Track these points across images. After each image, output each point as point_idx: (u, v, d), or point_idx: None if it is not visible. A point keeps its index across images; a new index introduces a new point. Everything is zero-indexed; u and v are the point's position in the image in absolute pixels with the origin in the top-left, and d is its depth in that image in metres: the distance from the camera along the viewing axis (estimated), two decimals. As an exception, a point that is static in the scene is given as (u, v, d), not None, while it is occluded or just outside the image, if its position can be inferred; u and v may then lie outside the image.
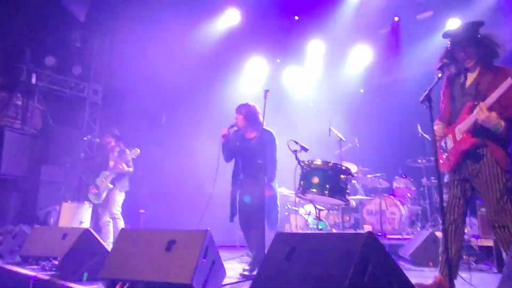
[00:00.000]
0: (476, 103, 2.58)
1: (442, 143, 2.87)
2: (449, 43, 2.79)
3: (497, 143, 2.60)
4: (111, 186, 5.34)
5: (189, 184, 7.26)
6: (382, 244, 1.82)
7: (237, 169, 4.23)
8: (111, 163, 5.40)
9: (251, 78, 8.88)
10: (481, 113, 2.49)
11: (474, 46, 2.66)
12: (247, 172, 4.13)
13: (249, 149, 4.08)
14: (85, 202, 6.43)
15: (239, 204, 4.20)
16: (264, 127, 4.11)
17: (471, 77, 2.74)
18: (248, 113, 4.13)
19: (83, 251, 3.40)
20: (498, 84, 2.51)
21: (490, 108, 2.51)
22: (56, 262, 3.64)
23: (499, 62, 2.74)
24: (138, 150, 5.46)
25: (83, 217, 6.33)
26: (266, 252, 2.40)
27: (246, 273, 3.83)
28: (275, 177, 4.15)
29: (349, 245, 1.75)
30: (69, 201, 6.60)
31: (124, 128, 8.50)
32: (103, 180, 5.36)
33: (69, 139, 8.16)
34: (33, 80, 7.78)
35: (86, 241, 3.53)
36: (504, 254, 2.59)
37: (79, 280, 3.08)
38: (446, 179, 2.88)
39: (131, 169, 5.51)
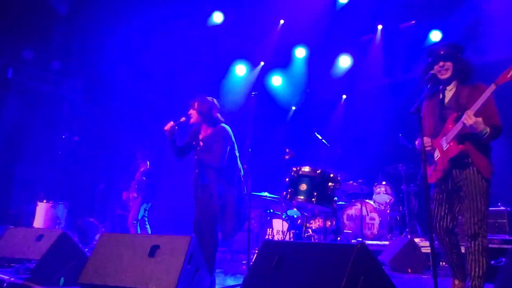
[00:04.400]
0: (459, 113, 2.68)
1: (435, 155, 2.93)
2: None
3: (481, 152, 2.70)
4: (135, 195, 5.90)
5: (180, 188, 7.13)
6: (373, 255, 1.81)
7: (195, 172, 3.63)
8: (137, 175, 6.05)
9: (236, 81, 8.86)
10: (469, 119, 2.55)
11: (452, 60, 2.78)
12: (199, 175, 3.54)
13: (199, 150, 3.55)
14: (60, 202, 6.27)
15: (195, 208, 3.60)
16: (223, 124, 3.61)
17: (448, 93, 2.86)
18: (200, 108, 3.55)
19: (60, 255, 3.28)
20: (475, 97, 2.62)
21: (475, 116, 2.60)
22: (31, 265, 3.50)
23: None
24: (148, 163, 5.99)
25: (60, 217, 6.14)
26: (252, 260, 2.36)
27: None
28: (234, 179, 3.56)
29: (340, 256, 1.74)
30: (45, 201, 6.39)
31: (107, 126, 8.34)
32: (130, 189, 6.03)
33: (47, 136, 7.89)
34: (10, 74, 7.52)
35: (64, 244, 3.40)
36: (483, 262, 2.63)
37: (55, 285, 2.97)
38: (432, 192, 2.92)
39: (144, 178, 5.99)
